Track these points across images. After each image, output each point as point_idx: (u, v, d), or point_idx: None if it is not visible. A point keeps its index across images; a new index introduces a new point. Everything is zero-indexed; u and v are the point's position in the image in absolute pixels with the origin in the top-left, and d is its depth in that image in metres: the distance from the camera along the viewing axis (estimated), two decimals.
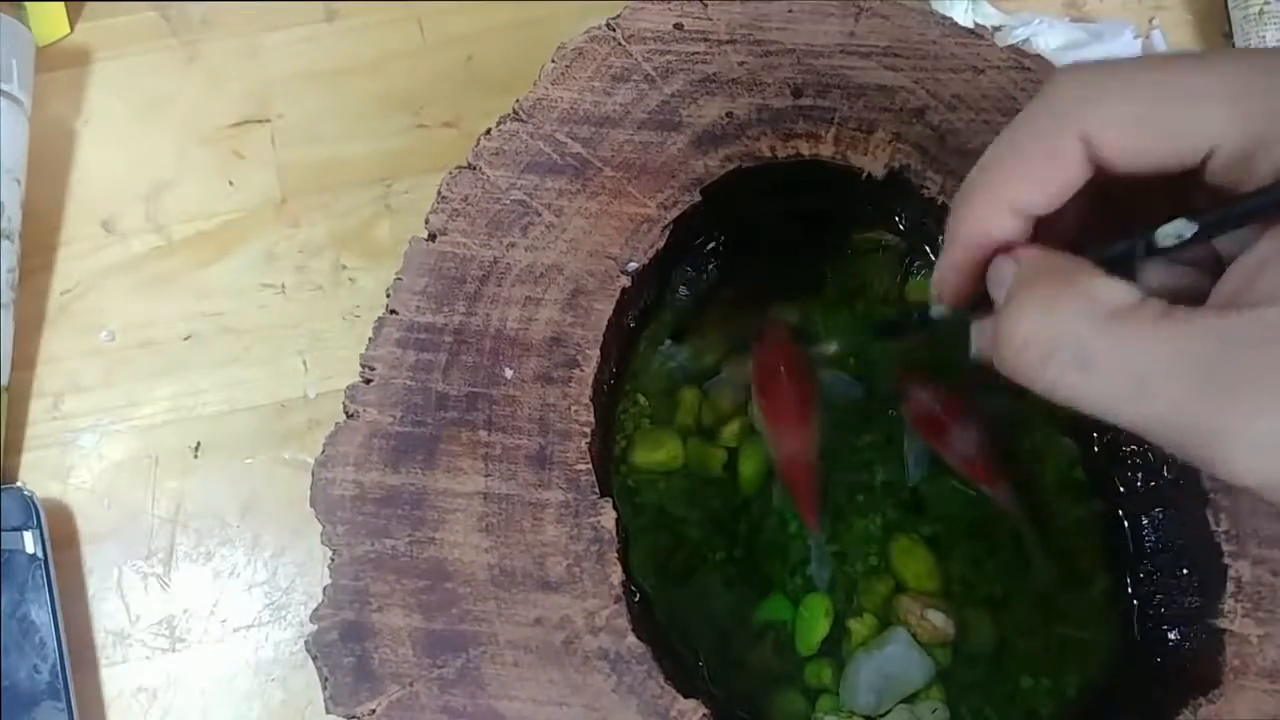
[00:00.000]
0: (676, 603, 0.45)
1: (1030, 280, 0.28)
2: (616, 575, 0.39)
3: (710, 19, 0.46)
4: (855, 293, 0.50)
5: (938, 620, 0.44)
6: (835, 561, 0.46)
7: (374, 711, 0.37)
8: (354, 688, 0.38)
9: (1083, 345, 0.25)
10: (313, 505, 0.40)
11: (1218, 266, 0.28)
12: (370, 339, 0.42)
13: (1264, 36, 0.57)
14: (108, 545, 0.52)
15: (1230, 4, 0.59)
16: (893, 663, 0.44)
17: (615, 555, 0.39)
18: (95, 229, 0.57)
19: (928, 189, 0.43)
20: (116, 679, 0.50)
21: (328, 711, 0.38)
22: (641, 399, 0.48)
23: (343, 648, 0.38)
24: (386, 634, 0.38)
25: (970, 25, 0.57)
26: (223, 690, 0.50)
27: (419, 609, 0.38)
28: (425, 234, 0.43)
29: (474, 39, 0.59)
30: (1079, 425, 0.46)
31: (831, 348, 0.47)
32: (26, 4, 0.58)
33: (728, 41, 0.45)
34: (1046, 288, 0.27)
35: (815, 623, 0.45)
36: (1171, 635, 0.41)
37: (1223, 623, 0.37)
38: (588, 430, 0.41)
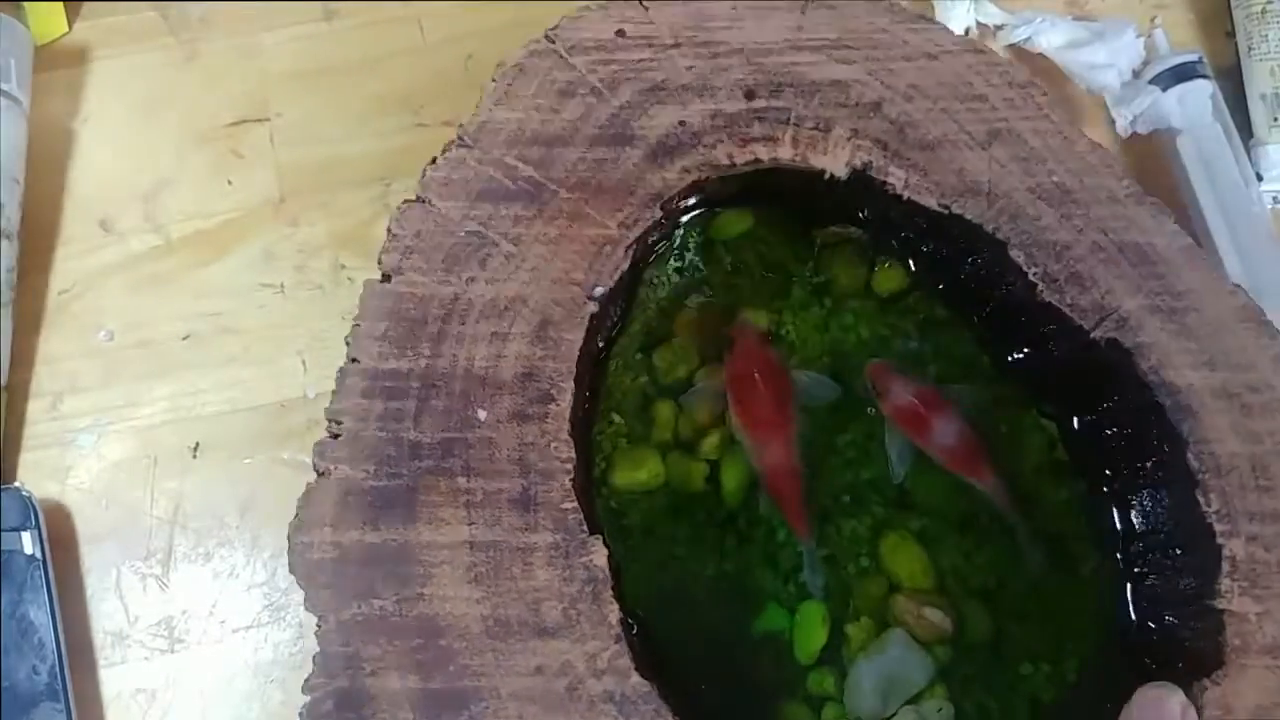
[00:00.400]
0: (673, 625, 0.45)
1: None
2: (614, 614, 0.38)
3: (652, 22, 0.44)
4: (822, 289, 0.49)
5: (935, 617, 0.44)
6: (827, 566, 0.45)
7: None
8: None
9: None
10: (292, 571, 0.38)
11: None
12: (334, 391, 0.40)
13: (1266, 35, 0.56)
14: (106, 546, 0.51)
15: (1233, 3, 0.59)
16: (894, 665, 0.44)
17: (610, 594, 0.38)
18: (94, 228, 0.57)
19: (891, 185, 0.42)
20: (115, 680, 0.49)
21: None
22: (617, 418, 0.47)
23: (340, 714, 0.37)
24: (384, 699, 0.37)
25: (973, 24, 0.57)
26: (222, 691, 0.49)
27: (415, 669, 0.37)
28: (379, 275, 0.42)
29: (474, 39, 0.59)
30: (1057, 405, 0.46)
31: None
32: (25, 3, 0.59)
33: (673, 45, 0.44)
34: None
35: (813, 631, 0.44)
36: (1168, 617, 0.41)
37: (1221, 603, 0.37)
38: (570, 466, 0.39)
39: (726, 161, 0.43)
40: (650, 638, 0.43)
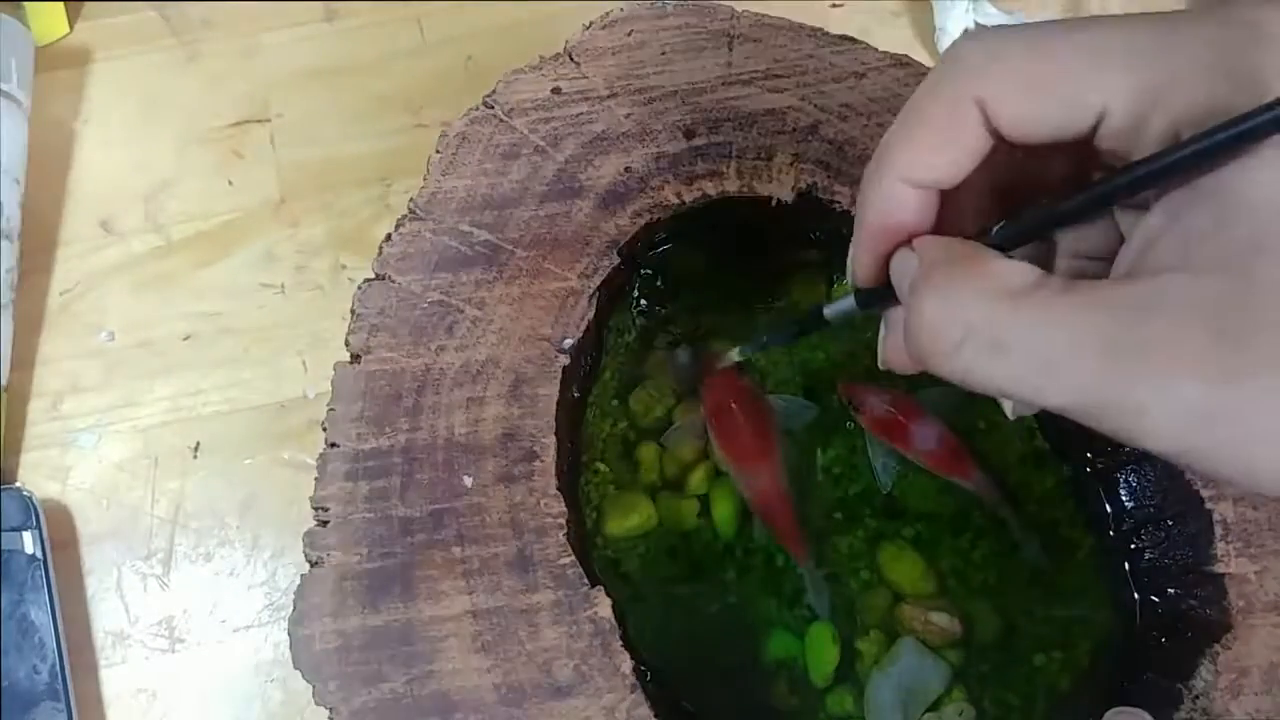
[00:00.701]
0: (684, 666, 0.44)
1: (931, 267, 0.27)
2: (626, 664, 0.38)
3: (586, 77, 0.45)
4: (784, 313, 0.50)
5: (942, 621, 0.44)
6: (829, 585, 0.46)
7: None
8: None
9: (992, 328, 0.24)
10: (296, 666, 0.38)
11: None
12: (316, 479, 0.40)
13: None
14: (107, 546, 0.51)
15: None
16: (910, 674, 0.44)
17: (620, 643, 0.38)
18: (95, 229, 0.57)
19: (838, 203, 0.43)
20: (116, 679, 0.49)
21: None
22: (601, 466, 0.47)
23: None
24: None
25: (971, 25, 0.58)
26: (222, 691, 0.49)
27: None
28: (347, 357, 0.42)
29: (474, 39, 0.60)
30: None
31: (734, 354, 0.46)
32: (26, 4, 0.59)
33: (609, 96, 0.45)
34: (947, 273, 0.26)
35: (824, 652, 0.44)
36: (1170, 589, 0.41)
37: (1219, 567, 0.38)
38: (562, 520, 0.39)
39: (675, 200, 0.43)
40: (665, 683, 0.43)
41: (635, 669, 0.38)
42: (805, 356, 0.49)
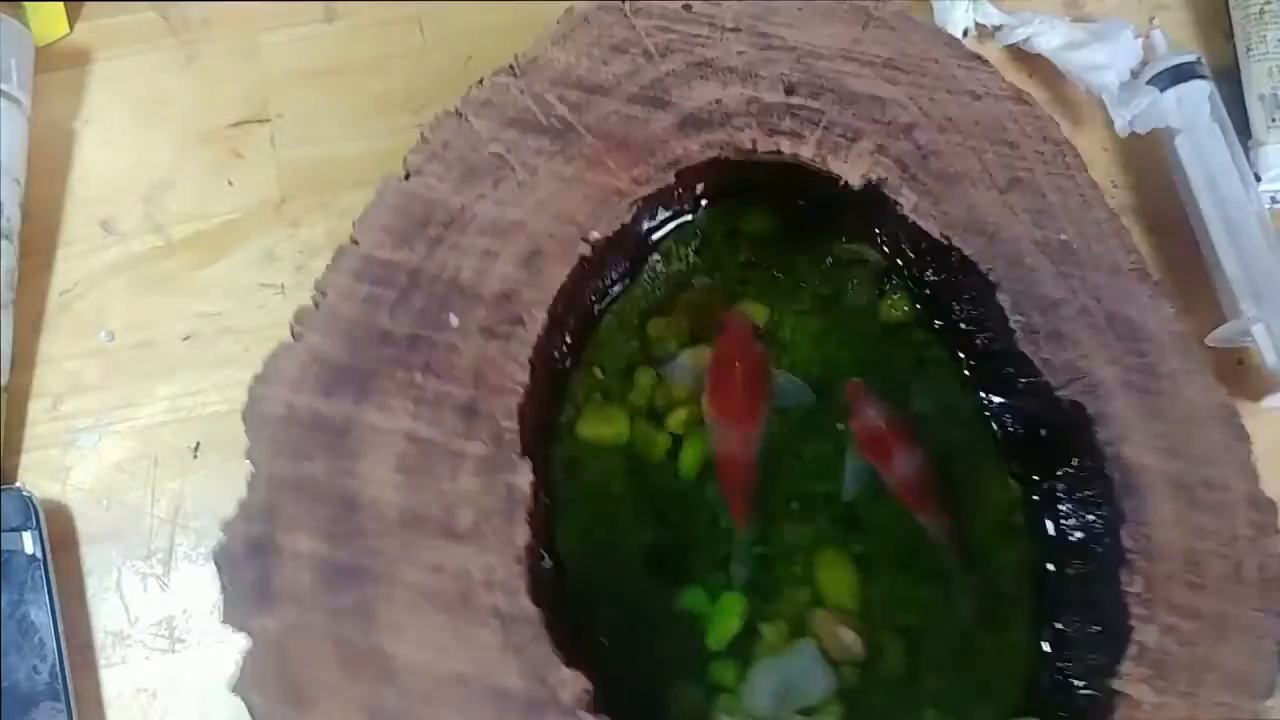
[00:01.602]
0: (594, 578, 0.45)
1: None
2: (522, 537, 0.39)
3: (719, 5, 0.46)
4: (829, 301, 0.50)
5: (848, 639, 0.44)
6: (759, 565, 0.46)
7: (266, 628, 0.38)
8: (250, 603, 0.38)
9: None
10: (243, 419, 0.40)
11: None
12: (329, 265, 0.42)
13: (1265, 36, 0.56)
14: (107, 546, 0.51)
15: (1231, 4, 0.59)
16: (796, 673, 0.44)
17: (525, 517, 0.39)
18: (94, 229, 0.57)
19: (901, 205, 0.43)
20: (116, 680, 0.49)
21: (221, 621, 0.38)
22: (599, 372, 0.48)
23: (246, 563, 0.38)
24: (289, 556, 0.38)
25: (971, 25, 0.57)
26: (222, 691, 0.48)
27: (325, 537, 0.39)
28: (402, 173, 0.44)
29: (474, 39, 0.59)
30: (1025, 464, 0.45)
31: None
32: (26, 4, 0.58)
33: (732, 29, 0.45)
34: None
35: (727, 621, 0.45)
36: (1078, 689, 0.40)
37: (1118, 684, 0.37)
38: (521, 389, 0.41)
39: (749, 146, 0.44)
40: (565, 578, 0.44)
41: (531, 549, 0.39)
42: (831, 352, 0.49)
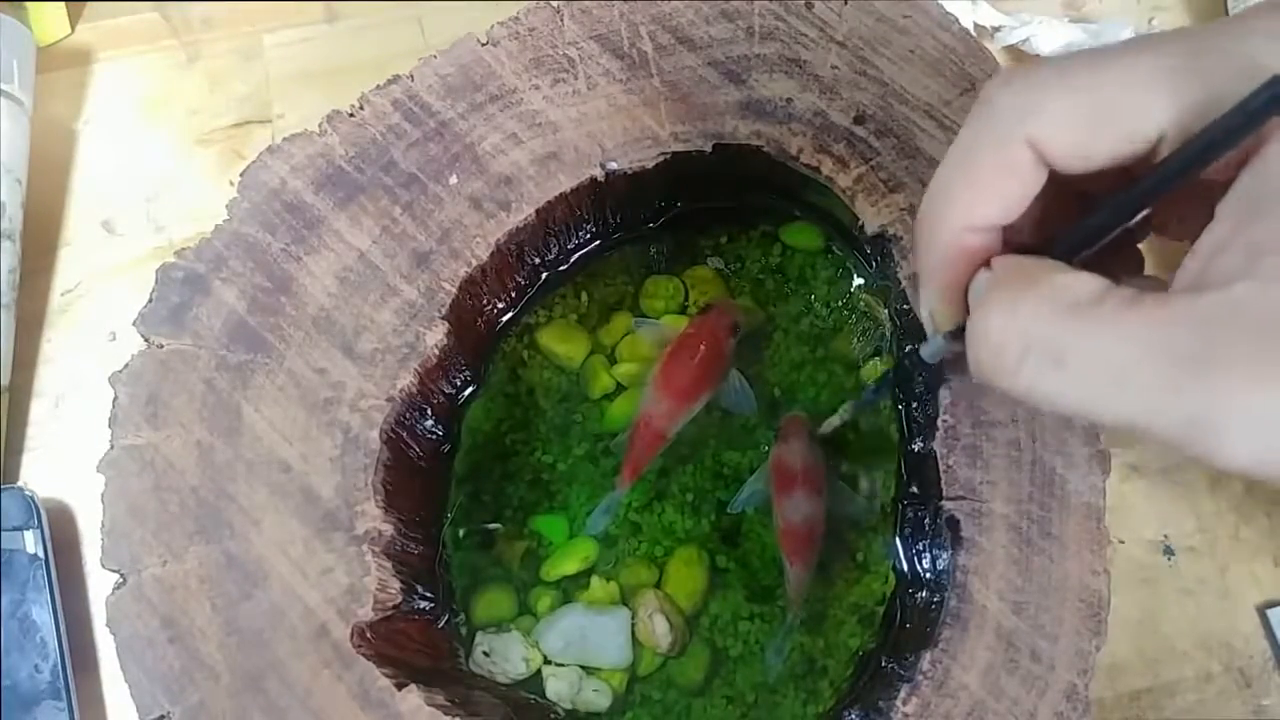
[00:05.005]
0: (478, 465, 0.47)
1: (995, 283, 0.27)
2: (406, 383, 0.41)
3: (840, 16, 0.46)
4: (823, 337, 0.50)
5: (661, 630, 0.44)
6: (625, 527, 0.47)
7: (162, 346, 0.42)
8: (161, 322, 0.42)
9: (1053, 341, 0.24)
10: (241, 175, 0.44)
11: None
12: (380, 85, 0.45)
13: None
14: None
15: (1229, 4, 0.58)
16: (598, 631, 0.45)
17: (416, 367, 0.41)
18: (96, 229, 0.57)
19: (900, 267, 0.42)
20: (117, 679, 0.49)
21: (132, 324, 0.42)
22: (584, 295, 0.50)
23: (178, 287, 0.42)
24: (214, 304, 0.42)
25: (971, 26, 0.56)
26: None
27: (248, 301, 0.42)
28: (483, 37, 0.46)
29: None
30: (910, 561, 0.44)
31: (836, 421, 0.46)
32: (27, 4, 0.58)
33: (839, 43, 0.45)
34: (1010, 288, 0.26)
35: (566, 560, 0.46)
36: None
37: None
38: (475, 266, 0.43)
39: (794, 153, 0.44)
40: (452, 454, 0.46)
41: (411, 396, 0.42)
42: (801, 383, 0.49)
